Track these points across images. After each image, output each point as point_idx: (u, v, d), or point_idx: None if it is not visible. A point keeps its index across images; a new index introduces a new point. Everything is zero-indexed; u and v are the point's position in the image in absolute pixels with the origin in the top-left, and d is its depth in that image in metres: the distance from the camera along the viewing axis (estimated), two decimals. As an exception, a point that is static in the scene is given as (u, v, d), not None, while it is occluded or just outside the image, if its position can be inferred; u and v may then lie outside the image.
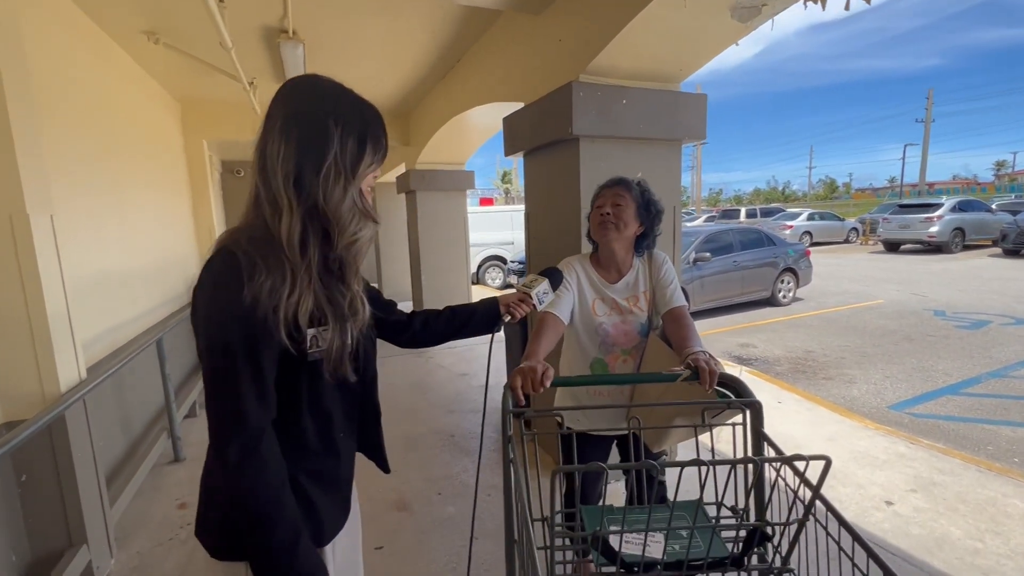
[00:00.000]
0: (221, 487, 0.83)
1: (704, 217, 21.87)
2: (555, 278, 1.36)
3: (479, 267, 11.03)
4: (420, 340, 1.22)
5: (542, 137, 2.70)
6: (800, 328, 6.50)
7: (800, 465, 0.84)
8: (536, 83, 2.88)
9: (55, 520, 1.93)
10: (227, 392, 0.75)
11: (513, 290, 1.32)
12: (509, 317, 1.26)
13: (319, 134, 0.79)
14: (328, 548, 0.95)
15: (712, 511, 1.08)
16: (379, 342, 1.08)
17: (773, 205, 29.45)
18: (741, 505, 1.04)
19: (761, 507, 1.02)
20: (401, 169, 6.73)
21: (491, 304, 1.27)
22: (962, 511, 2.42)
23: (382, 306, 1.16)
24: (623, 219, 1.55)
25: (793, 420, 3.57)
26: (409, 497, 2.65)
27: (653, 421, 1.52)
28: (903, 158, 43.27)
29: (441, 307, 1.26)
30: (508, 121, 3.08)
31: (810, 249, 9.15)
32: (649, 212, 1.61)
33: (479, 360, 5.08)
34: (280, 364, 0.81)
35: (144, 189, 3.79)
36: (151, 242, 3.88)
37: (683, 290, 1.67)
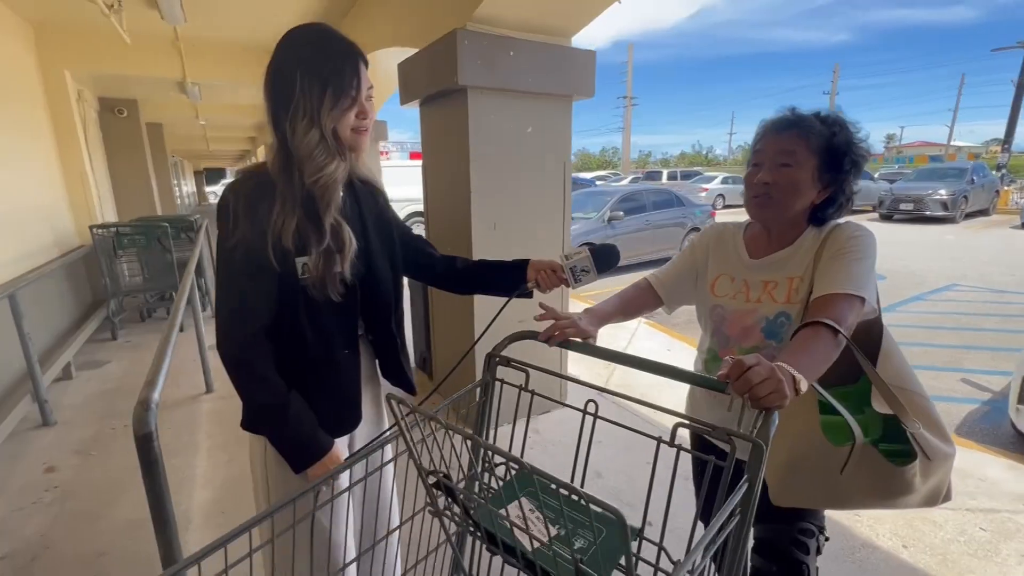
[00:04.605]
0: None
1: (630, 178, 22.52)
2: (603, 256, 1.11)
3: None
4: (443, 283, 1.28)
5: (432, 85, 2.64)
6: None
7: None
8: (428, 28, 2.79)
9: None
10: (219, 295, 0.95)
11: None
12: (534, 285, 1.15)
13: (287, 83, 0.93)
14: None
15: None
16: None
17: (694, 168, 30.75)
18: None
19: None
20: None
21: (519, 267, 1.18)
22: None
23: (413, 248, 1.24)
24: (790, 190, 1.02)
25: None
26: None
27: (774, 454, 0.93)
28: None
29: None
30: (402, 68, 2.98)
31: (716, 211, 9.76)
32: (841, 166, 1.02)
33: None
34: (280, 285, 0.96)
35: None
36: None
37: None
